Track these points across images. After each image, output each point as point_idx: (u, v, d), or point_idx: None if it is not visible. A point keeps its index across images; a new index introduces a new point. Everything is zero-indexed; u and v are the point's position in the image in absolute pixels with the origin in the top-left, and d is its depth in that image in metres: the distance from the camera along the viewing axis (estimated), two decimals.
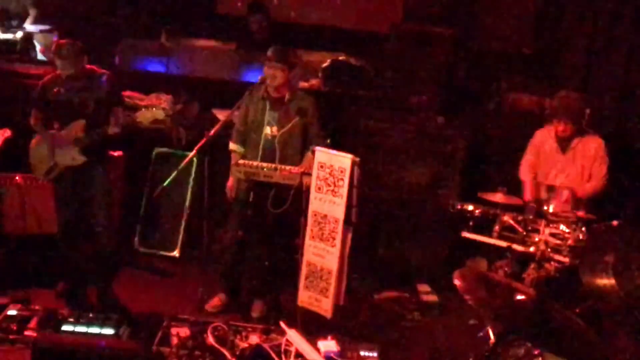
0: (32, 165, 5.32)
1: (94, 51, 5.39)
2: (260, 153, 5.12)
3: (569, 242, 4.74)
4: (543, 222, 4.87)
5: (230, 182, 5.29)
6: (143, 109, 5.05)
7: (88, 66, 5.19)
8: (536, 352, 3.67)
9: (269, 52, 5.09)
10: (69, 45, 5.09)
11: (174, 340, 4.49)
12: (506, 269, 4.99)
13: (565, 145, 5.30)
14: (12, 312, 4.76)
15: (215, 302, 5.34)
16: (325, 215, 4.83)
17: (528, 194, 5.33)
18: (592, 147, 5.26)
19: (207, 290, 5.33)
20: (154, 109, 5.05)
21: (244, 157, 5.19)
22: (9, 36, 7.42)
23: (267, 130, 5.13)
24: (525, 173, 5.47)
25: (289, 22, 7.77)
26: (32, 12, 7.59)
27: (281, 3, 7.92)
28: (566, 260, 4.72)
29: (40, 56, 7.47)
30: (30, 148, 5.28)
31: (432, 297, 5.82)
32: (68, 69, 5.08)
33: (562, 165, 5.32)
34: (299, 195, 4.90)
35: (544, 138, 5.41)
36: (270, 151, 5.11)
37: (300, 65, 7.21)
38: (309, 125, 5.13)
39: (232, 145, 5.28)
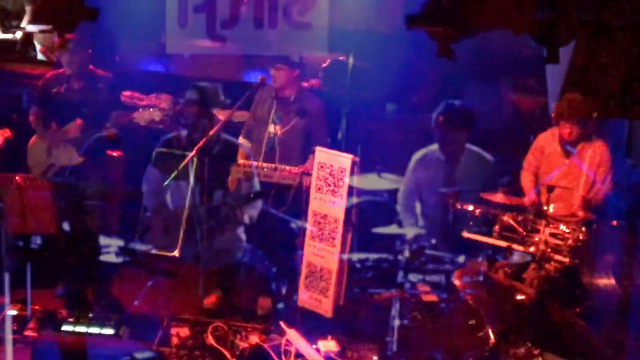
0: (30, 165, 5.31)
1: (93, 51, 5.39)
2: (263, 150, 5.20)
3: (569, 242, 4.74)
4: (543, 222, 4.86)
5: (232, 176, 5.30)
6: (140, 109, 5.07)
7: (90, 67, 5.19)
8: (536, 352, 3.67)
9: None
10: (77, 40, 5.06)
11: (174, 340, 4.49)
12: (506, 269, 4.99)
13: (570, 150, 5.25)
14: (12, 312, 4.76)
15: (212, 298, 5.35)
16: (325, 215, 4.83)
17: (528, 200, 5.30)
18: (597, 153, 5.18)
19: (207, 290, 5.32)
20: (151, 109, 5.06)
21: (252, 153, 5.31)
22: (8, 36, 7.41)
23: (271, 128, 5.23)
24: (526, 179, 5.44)
25: None
26: (28, 10, 7.56)
27: None
28: (566, 260, 4.71)
29: (40, 56, 7.46)
30: (28, 147, 5.27)
31: (432, 297, 5.81)
32: (74, 63, 5.04)
33: (566, 169, 5.26)
34: (299, 195, 4.91)
35: (547, 142, 5.36)
36: (272, 149, 5.18)
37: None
38: (311, 125, 5.16)
39: (240, 139, 5.39)
